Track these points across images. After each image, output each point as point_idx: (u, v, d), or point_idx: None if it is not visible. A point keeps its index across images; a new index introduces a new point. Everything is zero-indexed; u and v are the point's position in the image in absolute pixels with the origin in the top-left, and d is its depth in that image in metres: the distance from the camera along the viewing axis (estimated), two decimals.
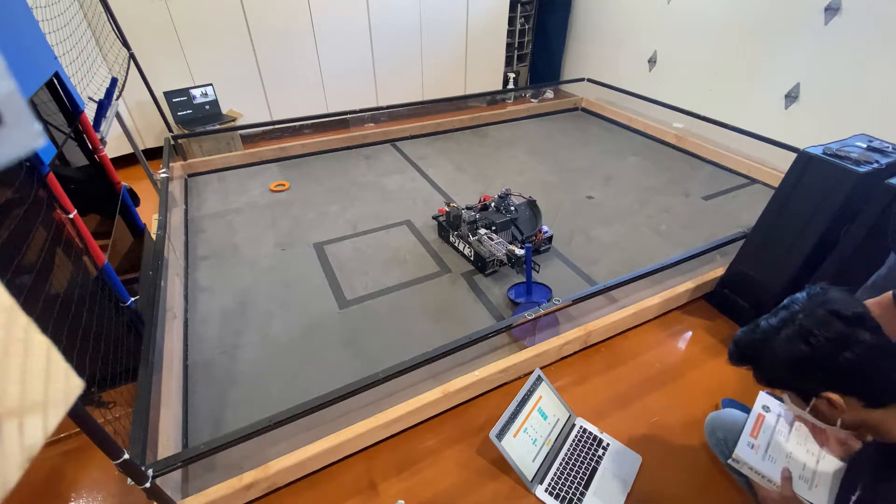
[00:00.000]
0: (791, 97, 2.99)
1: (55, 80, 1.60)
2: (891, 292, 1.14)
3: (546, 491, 1.38)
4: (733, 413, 1.35)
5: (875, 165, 1.54)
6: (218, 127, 3.39)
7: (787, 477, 1.07)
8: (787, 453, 1.13)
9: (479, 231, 2.30)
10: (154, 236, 2.09)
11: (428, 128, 3.98)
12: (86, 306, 1.30)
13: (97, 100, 2.11)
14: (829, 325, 0.81)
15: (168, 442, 1.41)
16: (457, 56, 4.43)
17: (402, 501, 1.37)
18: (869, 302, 1.17)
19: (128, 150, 3.14)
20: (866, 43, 2.57)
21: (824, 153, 1.63)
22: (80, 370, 0.38)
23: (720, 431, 1.32)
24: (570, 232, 2.60)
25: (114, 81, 2.40)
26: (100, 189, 1.92)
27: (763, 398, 1.27)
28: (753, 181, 3.14)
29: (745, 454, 1.14)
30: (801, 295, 0.90)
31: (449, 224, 2.44)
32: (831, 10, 2.67)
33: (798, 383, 0.89)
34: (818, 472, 1.08)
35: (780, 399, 1.27)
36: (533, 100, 4.89)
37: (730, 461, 1.17)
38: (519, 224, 2.42)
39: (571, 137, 3.95)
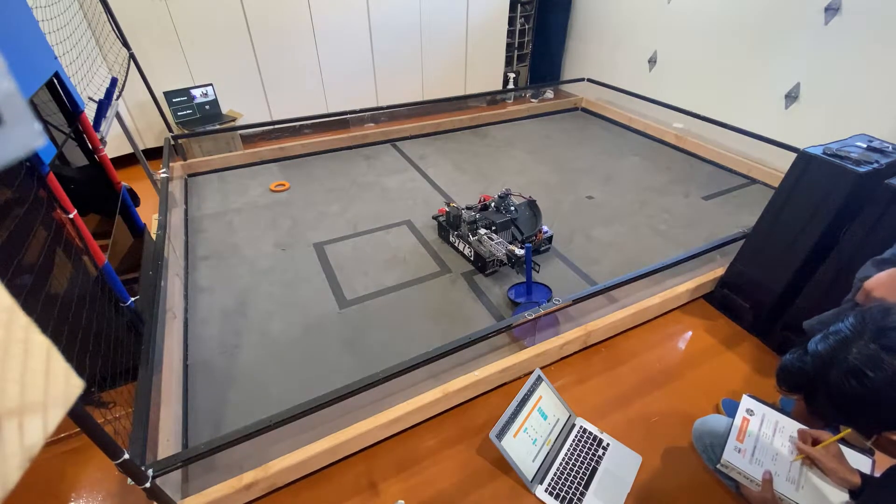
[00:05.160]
0: (791, 97, 2.99)
1: (55, 80, 1.60)
2: None
3: (546, 491, 1.38)
4: (719, 419, 1.35)
5: (875, 165, 1.54)
6: (218, 127, 3.39)
7: (768, 479, 1.08)
8: (773, 455, 1.13)
9: (479, 231, 2.30)
10: (154, 236, 2.09)
11: (428, 128, 3.98)
12: (86, 306, 1.30)
13: (97, 100, 2.11)
14: (882, 364, 0.72)
15: (168, 442, 1.41)
16: (457, 56, 4.43)
17: (402, 501, 1.37)
18: (883, 274, 1.15)
19: (128, 150, 3.13)
20: (866, 43, 2.57)
21: (824, 153, 1.63)
22: (80, 370, 0.38)
23: (707, 437, 1.32)
24: (570, 232, 2.60)
25: (114, 81, 2.40)
26: (100, 189, 1.92)
27: (746, 401, 1.27)
28: (753, 181, 3.14)
29: (733, 459, 1.14)
30: (850, 321, 0.80)
31: (449, 224, 2.44)
32: (831, 10, 2.67)
33: (854, 422, 0.80)
34: (804, 474, 1.08)
35: (764, 402, 1.27)
36: (533, 100, 4.89)
37: (718, 466, 1.18)
38: (519, 224, 2.42)
39: (571, 137, 3.95)
